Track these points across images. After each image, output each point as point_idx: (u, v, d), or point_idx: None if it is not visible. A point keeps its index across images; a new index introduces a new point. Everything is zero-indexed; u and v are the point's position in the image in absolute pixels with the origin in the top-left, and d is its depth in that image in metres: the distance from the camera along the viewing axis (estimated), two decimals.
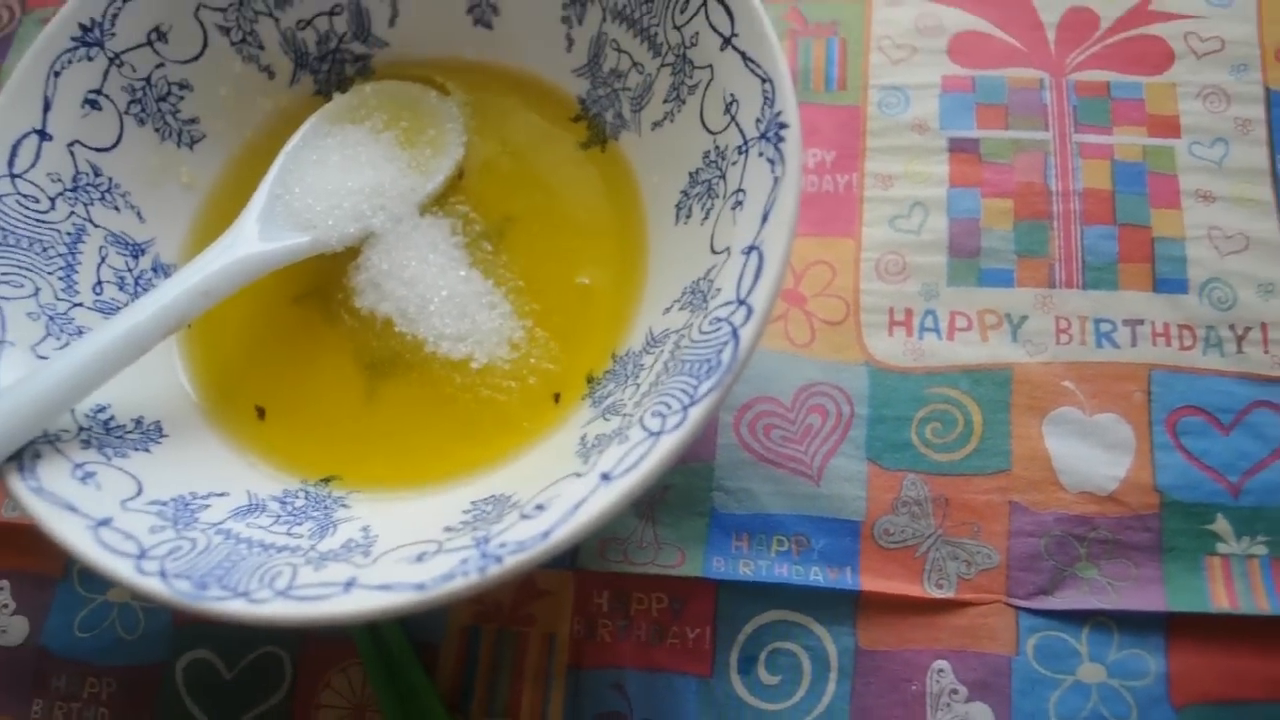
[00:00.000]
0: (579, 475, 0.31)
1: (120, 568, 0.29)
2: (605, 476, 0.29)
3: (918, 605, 0.36)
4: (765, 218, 0.31)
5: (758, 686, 0.36)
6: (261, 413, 0.37)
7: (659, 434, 0.29)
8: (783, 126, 0.32)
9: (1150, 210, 0.40)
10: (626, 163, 0.39)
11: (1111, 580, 0.36)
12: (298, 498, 0.35)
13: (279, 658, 0.37)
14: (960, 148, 0.42)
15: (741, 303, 0.31)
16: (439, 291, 0.37)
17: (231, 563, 0.30)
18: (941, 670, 0.35)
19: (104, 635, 0.38)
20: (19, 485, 0.31)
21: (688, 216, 0.36)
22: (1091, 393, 0.38)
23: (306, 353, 0.38)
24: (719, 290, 0.32)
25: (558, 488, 0.31)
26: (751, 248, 0.31)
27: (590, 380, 0.36)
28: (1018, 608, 0.36)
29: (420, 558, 0.30)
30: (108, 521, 0.31)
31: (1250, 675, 0.34)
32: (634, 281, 0.37)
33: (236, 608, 0.28)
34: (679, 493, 0.38)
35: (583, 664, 0.36)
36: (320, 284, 0.39)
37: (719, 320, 0.31)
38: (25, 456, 0.31)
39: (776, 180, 0.31)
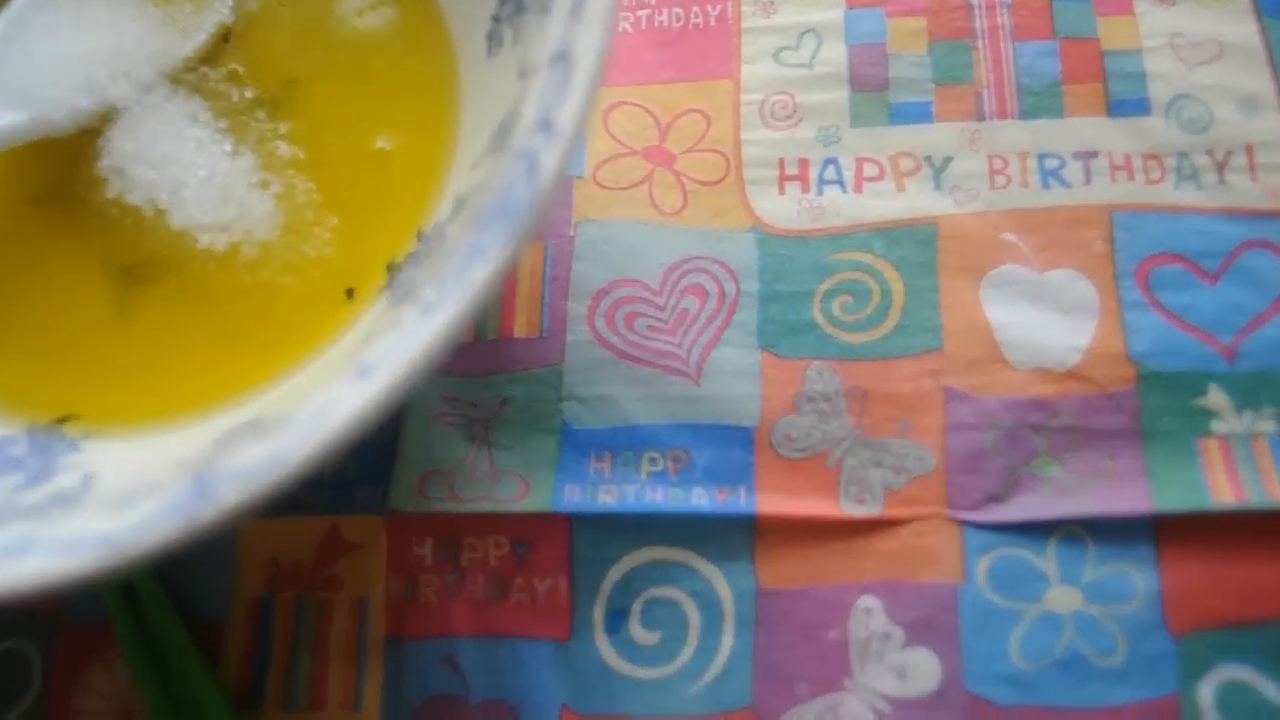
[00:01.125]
0: (335, 377, 0.23)
1: None
2: (362, 372, 0.21)
3: (834, 528, 0.28)
4: (574, 14, 0.23)
5: (631, 648, 0.28)
6: None
7: (431, 308, 0.21)
8: None
9: (1096, 19, 0.32)
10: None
11: (1081, 478, 0.28)
12: (17, 445, 0.27)
13: (24, 653, 0.29)
14: None
15: (543, 125, 0.22)
16: (195, 172, 0.29)
17: None
18: (869, 610, 0.27)
19: None
20: None
21: (499, 45, 0.28)
22: (1040, 245, 0.30)
23: (44, 266, 0.30)
24: (521, 118, 0.24)
25: (311, 398, 0.23)
26: (558, 55, 0.23)
27: (391, 268, 0.28)
28: (963, 522, 0.28)
29: (122, 502, 0.22)
30: None
31: (1267, 587, 0.26)
32: (443, 139, 0.29)
33: None
34: (519, 406, 0.30)
35: (404, 634, 0.29)
36: (58, 179, 0.30)
37: (515, 153, 0.23)
38: None
39: None
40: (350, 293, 0.28)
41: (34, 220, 0.31)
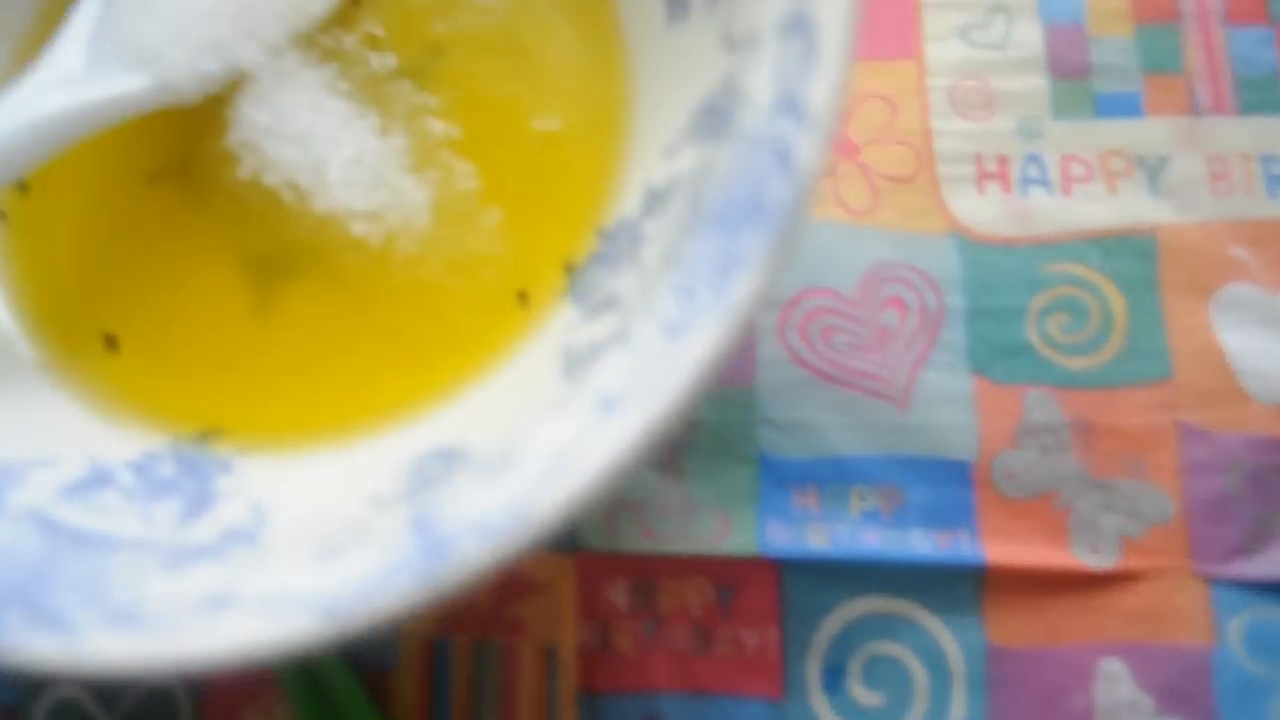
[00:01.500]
0: (561, 404, 0.19)
1: None
2: (605, 404, 0.18)
3: (1068, 580, 0.25)
4: None
5: (853, 709, 0.25)
6: (113, 342, 0.26)
7: (681, 327, 0.18)
8: None
9: None
10: None
11: None
12: (163, 463, 0.24)
13: (172, 695, 0.26)
14: None
15: (786, 106, 0.19)
16: (340, 151, 0.25)
17: (48, 569, 0.19)
18: (1113, 675, 0.24)
19: None
20: None
21: (684, 9, 0.24)
22: (1272, 261, 0.27)
23: (171, 253, 0.27)
24: (747, 98, 0.20)
25: (529, 430, 0.19)
26: (793, 22, 0.20)
27: (569, 269, 0.25)
28: (1209, 578, 0.25)
29: (328, 551, 0.19)
30: None
31: None
32: (617, 118, 0.26)
33: (43, 648, 0.17)
34: (710, 431, 0.27)
35: (598, 688, 0.26)
36: (181, 155, 0.27)
37: (754, 141, 0.19)
38: None
39: None
40: (523, 296, 0.25)
41: (156, 201, 0.27)
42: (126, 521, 0.22)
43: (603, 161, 0.25)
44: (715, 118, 0.22)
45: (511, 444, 0.19)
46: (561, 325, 0.24)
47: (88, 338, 0.26)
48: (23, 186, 0.27)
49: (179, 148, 0.27)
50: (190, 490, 0.23)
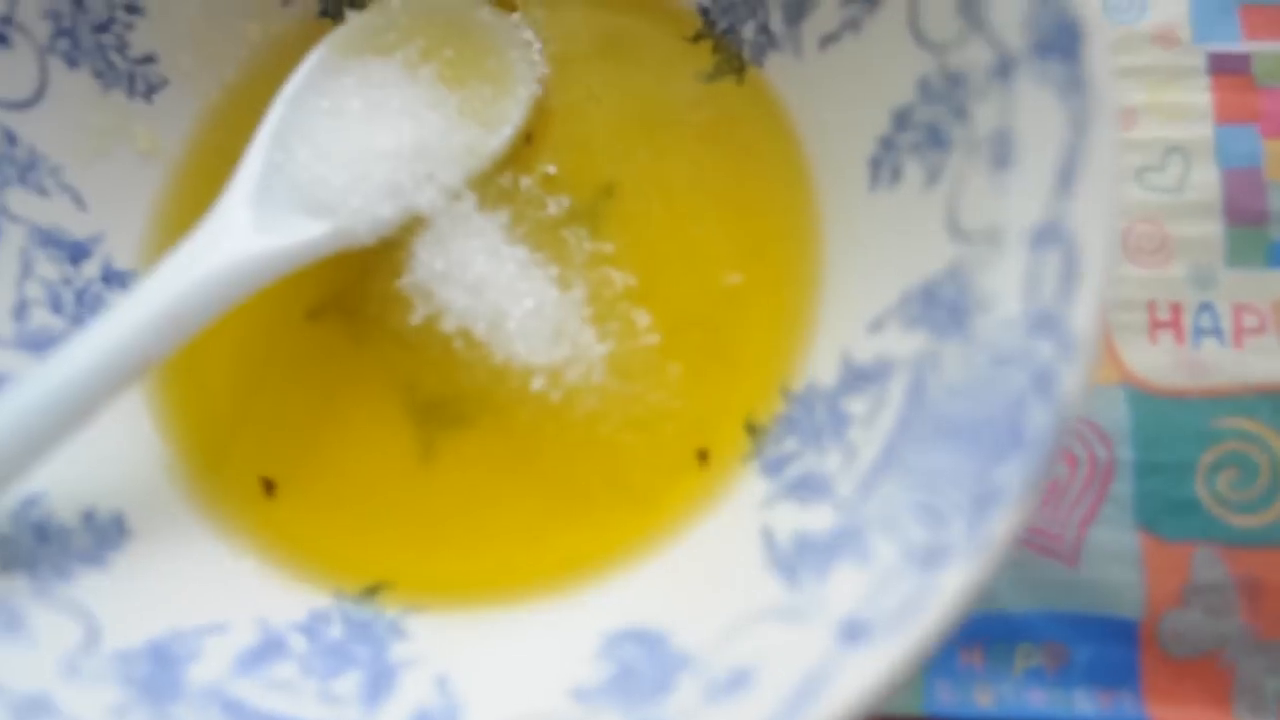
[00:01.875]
0: (792, 617, 0.19)
1: None
2: (849, 631, 0.18)
3: None
4: (1065, 180, 0.19)
5: None
6: (270, 486, 0.26)
7: (933, 559, 0.18)
8: (1077, 32, 0.19)
9: None
10: (776, 99, 0.27)
11: None
12: (331, 624, 0.23)
13: None
14: (1225, 66, 0.30)
15: (1045, 326, 0.19)
16: (521, 302, 0.25)
17: None
18: None
19: None
20: None
21: (894, 178, 0.24)
22: None
23: (329, 394, 0.26)
24: (988, 302, 0.20)
25: (757, 636, 0.19)
26: (1046, 232, 0.19)
27: (753, 430, 0.24)
28: None
29: None
30: (42, 703, 0.19)
31: None
32: (806, 277, 0.26)
33: None
34: None
35: None
36: (343, 291, 0.27)
37: (1005, 356, 0.19)
38: None
39: (1079, 119, 0.19)
40: (703, 455, 0.25)
41: (314, 339, 0.27)
42: (307, 701, 0.21)
43: (789, 318, 0.25)
44: (940, 309, 0.21)
45: (737, 655, 0.19)
46: (753, 497, 0.24)
47: (245, 482, 0.26)
48: None
49: (341, 284, 0.27)
50: (365, 659, 0.23)
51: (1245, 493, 0.27)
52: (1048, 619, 0.26)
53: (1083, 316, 0.18)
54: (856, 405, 0.23)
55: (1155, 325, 0.28)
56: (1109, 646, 0.26)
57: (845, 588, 0.19)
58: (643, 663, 0.21)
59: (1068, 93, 0.20)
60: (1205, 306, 0.28)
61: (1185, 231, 0.29)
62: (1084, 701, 0.25)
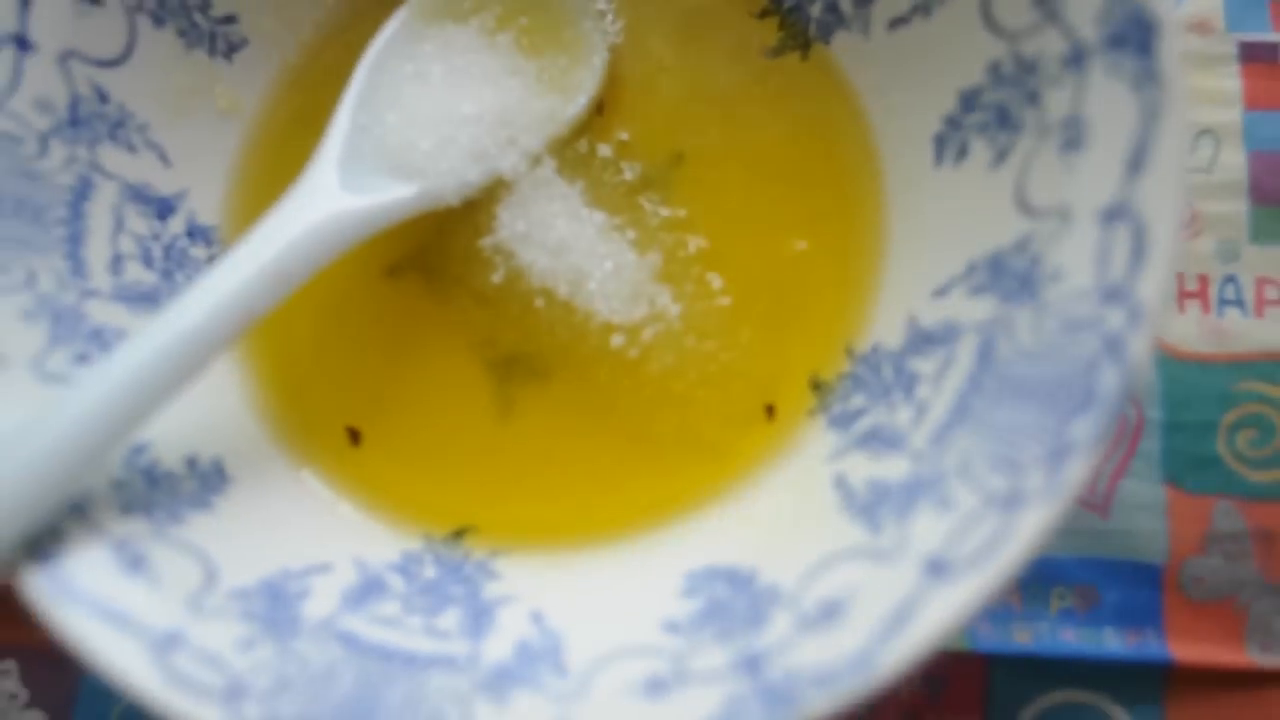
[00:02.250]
0: (879, 557, 0.21)
1: (208, 717, 0.19)
2: (935, 567, 0.20)
3: (1241, 679, 0.27)
4: (1135, 165, 0.21)
5: None
6: (356, 436, 0.27)
7: (1013, 503, 0.20)
8: (1150, 27, 0.21)
9: None
10: (841, 77, 0.28)
11: None
12: (424, 565, 0.25)
13: None
14: (1256, 55, 0.32)
15: (1116, 297, 0.21)
16: (601, 264, 0.26)
17: (370, 694, 0.21)
18: None
19: None
20: (39, 586, 0.20)
21: (961, 155, 0.25)
22: None
23: (411, 348, 0.27)
24: (1060, 273, 0.22)
25: (843, 573, 0.21)
26: (1117, 211, 0.21)
27: (818, 386, 0.26)
28: None
29: (655, 687, 0.20)
30: (177, 638, 0.20)
31: None
32: (871, 245, 0.27)
33: None
34: None
35: None
36: (424, 249, 0.28)
37: (1077, 323, 0.21)
38: (42, 538, 0.21)
39: (1151, 110, 0.21)
40: (770, 410, 0.26)
41: (396, 294, 0.28)
42: (415, 635, 0.23)
43: (854, 285, 0.27)
44: (1010, 278, 0.23)
45: (826, 588, 0.21)
46: (819, 447, 0.25)
47: (332, 432, 0.27)
48: None
49: (420, 243, 0.28)
50: (462, 597, 0.24)
51: (1262, 450, 0.29)
52: (1080, 564, 0.28)
53: (1151, 288, 0.20)
54: (924, 365, 0.24)
55: (1184, 295, 0.30)
56: (1135, 589, 0.28)
57: (928, 530, 0.21)
58: (731, 598, 0.22)
59: (1141, 84, 0.21)
60: (1230, 279, 0.30)
61: (1213, 209, 0.31)
62: (1112, 639, 0.28)
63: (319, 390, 0.27)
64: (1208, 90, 0.31)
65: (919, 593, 0.20)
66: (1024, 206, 0.23)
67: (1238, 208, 0.30)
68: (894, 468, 0.23)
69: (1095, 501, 0.28)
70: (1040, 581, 0.28)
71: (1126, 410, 0.29)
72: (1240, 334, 0.30)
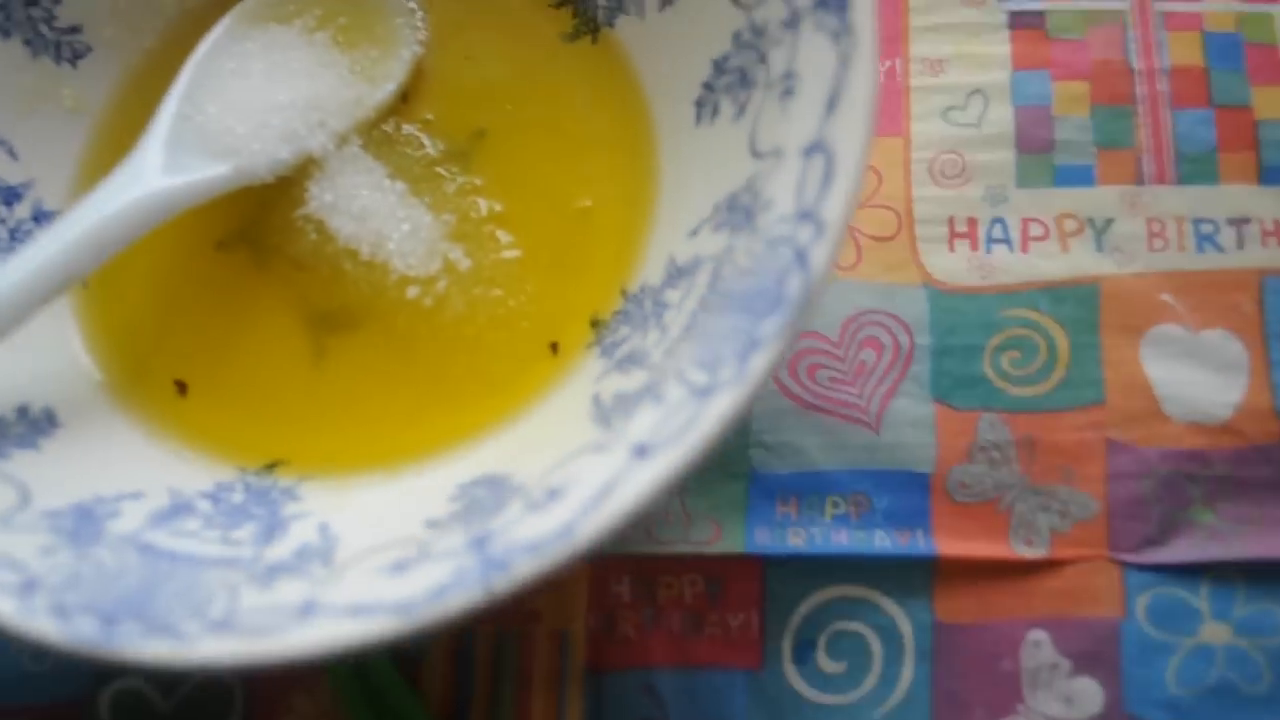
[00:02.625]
0: (600, 448, 0.24)
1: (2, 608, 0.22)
2: (640, 450, 0.22)
3: (1005, 568, 0.30)
4: (831, 105, 0.24)
5: (818, 677, 0.30)
6: (182, 387, 0.30)
7: (708, 391, 0.22)
8: None
9: (1250, 88, 0.34)
10: (625, 55, 0.31)
11: (1232, 524, 0.30)
12: (234, 491, 0.28)
13: (225, 682, 0.30)
14: (1023, 22, 0.35)
15: (807, 216, 0.23)
16: (399, 226, 0.29)
17: (151, 585, 0.23)
18: (1038, 643, 0.29)
19: (8, 667, 0.31)
20: None
21: (714, 114, 0.28)
22: (1194, 306, 0.32)
23: (236, 310, 0.31)
24: (770, 203, 0.25)
25: (573, 465, 0.24)
26: (814, 146, 0.24)
27: (596, 324, 0.29)
28: (1124, 563, 0.30)
29: (399, 567, 0.23)
30: None
31: None
32: (644, 199, 0.30)
33: (159, 650, 0.21)
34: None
35: (603, 666, 0.30)
36: (248, 224, 0.31)
37: (776, 241, 0.24)
38: None
39: (845, 58, 0.24)
40: (555, 346, 0.29)
41: (224, 265, 0.31)
42: (210, 544, 0.26)
43: (629, 235, 0.30)
44: (738, 212, 0.26)
45: (557, 478, 0.24)
46: (590, 374, 0.28)
47: (160, 384, 0.30)
48: None
49: (246, 218, 0.31)
50: (262, 515, 0.27)
51: (1025, 369, 0.31)
52: (854, 475, 0.31)
53: (834, 208, 0.23)
54: (673, 295, 0.27)
55: (954, 236, 0.33)
56: (905, 495, 0.31)
57: (641, 423, 0.23)
58: (485, 496, 0.25)
59: (839, 36, 0.24)
60: (998, 220, 0.33)
61: (982, 159, 0.34)
62: (883, 539, 0.30)
63: (152, 349, 0.30)
64: (979, 55, 0.35)
65: (623, 472, 0.22)
66: (754, 151, 0.26)
67: (1006, 156, 0.33)
68: (635, 380, 0.26)
69: (867, 420, 0.31)
70: (815, 492, 0.31)
71: (899, 336, 0.31)
72: (1006, 268, 0.32)
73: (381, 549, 0.24)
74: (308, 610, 0.22)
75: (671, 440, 0.22)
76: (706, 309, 0.25)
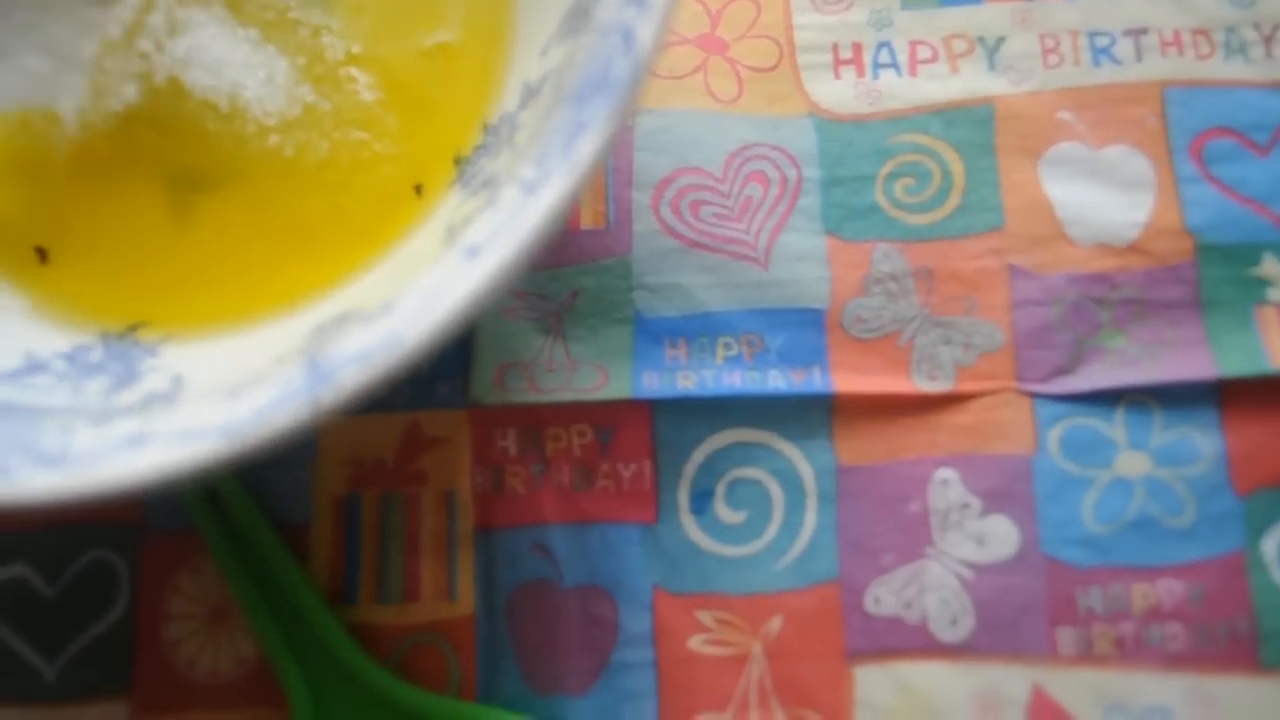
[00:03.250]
0: (438, 261, 0.23)
1: None
2: (470, 251, 0.21)
3: (908, 404, 0.29)
4: None
5: (718, 527, 0.28)
6: (43, 254, 0.29)
7: (536, 185, 0.21)
8: None
9: None
10: None
11: (1145, 347, 0.29)
12: (92, 352, 0.27)
13: (111, 563, 0.29)
14: None
15: (631, 1, 0.22)
16: (254, 74, 0.28)
17: None
18: (946, 481, 0.28)
19: None
20: None
21: None
22: (1095, 122, 0.30)
23: (95, 175, 0.29)
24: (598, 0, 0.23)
25: (412, 282, 0.23)
26: None
27: (459, 161, 0.28)
28: (1033, 394, 0.28)
29: (231, 394, 0.22)
30: None
31: None
32: (499, 32, 0.29)
33: None
34: (590, 297, 0.30)
35: (493, 524, 0.29)
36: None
37: (606, 29, 0.23)
38: None
39: None
40: (419, 189, 0.28)
41: (81, 131, 0.30)
42: (57, 396, 0.25)
43: (489, 68, 0.28)
44: (578, 19, 0.25)
45: (392, 294, 0.23)
46: (450, 208, 0.27)
47: (20, 251, 0.29)
48: None
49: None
50: (116, 370, 0.26)
51: (919, 196, 0.30)
52: (745, 314, 0.29)
53: None
54: (525, 116, 0.26)
55: (839, 64, 0.31)
56: (800, 332, 0.29)
57: (476, 228, 0.22)
58: (331, 328, 0.24)
59: None
60: (883, 44, 0.32)
61: None
62: (777, 379, 0.29)
63: (9, 218, 0.29)
64: None
65: (452, 275, 0.21)
66: None
67: None
68: (482, 199, 0.25)
69: (756, 256, 0.30)
70: (705, 334, 0.29)
71: (785, 169, 0.30)
72: (894, 93, 0.31)
73: (223, 385, 0.23)
74: (137, 440, 0.21)
75: (498, 236, 0.21)
76: (546, 114, 0.24)
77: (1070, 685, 0.27)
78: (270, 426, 0.20)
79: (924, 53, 0.31)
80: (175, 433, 0.21)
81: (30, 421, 0.23)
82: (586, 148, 0.21)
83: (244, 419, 0.21)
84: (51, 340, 0.27)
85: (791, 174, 0.31)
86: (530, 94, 0.26)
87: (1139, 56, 0.31)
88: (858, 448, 0.29)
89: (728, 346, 0.29)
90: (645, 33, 0.22)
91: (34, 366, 0.26)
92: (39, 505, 0.21)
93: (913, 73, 0.31)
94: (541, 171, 0.22)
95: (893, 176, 0.30)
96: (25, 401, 0.24)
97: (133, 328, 0.28)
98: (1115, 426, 0.28)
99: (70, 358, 0.26)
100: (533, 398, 0.29)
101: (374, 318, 0.22)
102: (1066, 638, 0.27)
